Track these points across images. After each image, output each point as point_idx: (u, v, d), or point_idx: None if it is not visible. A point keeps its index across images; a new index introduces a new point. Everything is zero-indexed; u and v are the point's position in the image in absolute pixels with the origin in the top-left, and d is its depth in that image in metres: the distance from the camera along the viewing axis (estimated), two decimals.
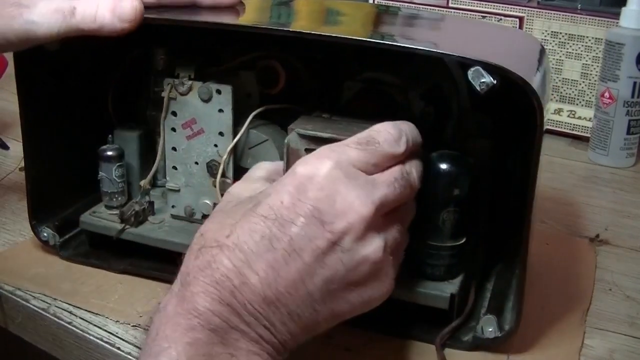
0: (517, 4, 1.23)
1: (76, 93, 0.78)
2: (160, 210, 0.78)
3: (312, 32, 0.63)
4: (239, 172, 0.71)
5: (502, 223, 0.70)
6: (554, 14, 1.20)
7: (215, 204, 0.73)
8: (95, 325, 0.68)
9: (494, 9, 1.24)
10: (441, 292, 0.66)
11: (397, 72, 0.71)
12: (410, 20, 0.79)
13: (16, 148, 1.02)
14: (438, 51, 0.60)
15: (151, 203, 0.78)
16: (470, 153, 0.67)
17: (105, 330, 0.67)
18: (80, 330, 0.68)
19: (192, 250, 0.54)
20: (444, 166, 0.64)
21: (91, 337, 0.67)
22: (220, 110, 0.72)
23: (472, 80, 0.58)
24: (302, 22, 0.77)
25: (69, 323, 0.69)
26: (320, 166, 0.54)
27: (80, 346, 0.68)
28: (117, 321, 0.68)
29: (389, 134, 0.57)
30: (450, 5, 1.27)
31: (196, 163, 0.74)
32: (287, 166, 0.62)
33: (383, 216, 0.56)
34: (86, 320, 0.69)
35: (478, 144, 0.70)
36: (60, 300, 0.71)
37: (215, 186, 0.73)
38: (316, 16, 0.78)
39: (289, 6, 0.82)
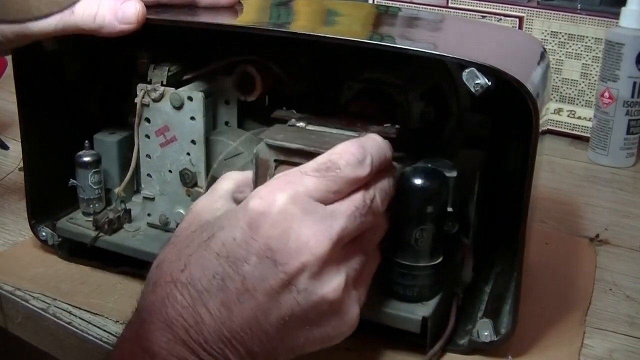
0: (516, 3, 1.23)
1: (75, 93, 0.78)
2: (138, 218, 0.77)
3: (310, 33, 0.63)
4: (215, 181, 0.68)
5: (501, 224, 0.69)
6: (554, 13, 1.20)
7: None
8: (94, 326, 0.68)
9: (493, 8, 1.24)
10: (413, 315, 0.62)
11: (396, 72, 0.71)
12: (410, 21, 0.79)
13: (16, 148, 1.02)
14: (432, 52, 0.59)
15: (127, 211, 0.77)
16: (463, 163, 0.65)
17: (105, 331, 0.67)
18: (80, 331, 0.68)
19: (149, 282, 0.52)
20: (417, 181, 0.61)
21: (91, 337, 0.67)
22: (192, 118, 0.70)
23: (466, 82, 0.57)
24: (302, 22, 0.77)
25: (69, 323, 0.69)
26: (273, 201, 0.51)
27: (80, 346, 0.68)
28: (116, 321, 0.68)
29: (352, 156, 0.54)
30: (450, 5, 1.27)
31: (170, 171, 0.73)
32: (257, 177, 0.60)
33: (343, 247, 0.53)
34: (86, 321, 0.69)
35: (471, 155, 0.69)
36: (59, 300, 0.71)
37: (188, 195, 0.72)
38: (316, 17, 0.78)
39: (289, 6, 0.82)
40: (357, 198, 0.54)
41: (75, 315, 0.69)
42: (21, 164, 0.79)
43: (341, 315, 0.54)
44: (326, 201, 0.53)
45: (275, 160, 0.59)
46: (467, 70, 0.57)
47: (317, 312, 0.52)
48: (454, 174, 0.62)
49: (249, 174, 0.61)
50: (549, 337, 0.69)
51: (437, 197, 0.61)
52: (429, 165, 0.62)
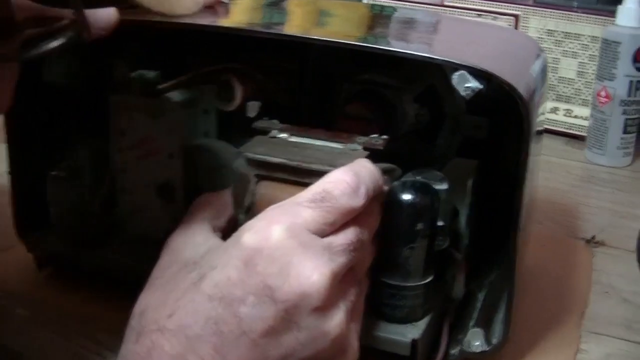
0: (512, 2, 1.22)
1: (62, 96, 0.77)
2: (116, 234, 0.73)
3: (301, 35, 0.62)
4: (195, 195, 0.66)
5: (497, 230, 0.68)
6: (550, 12, 1.20)
7: (167, 229, 0.69)
8: (81, 334, 0.66)
9: (489, 7, 1.23)
10: (402, 337, 0.59)
11: (391, 74, 0.70)
12: (404, 22, 0.78)
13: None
14: (422, 54, 0.58)
15: (106, 225, 0.73)
16: (455, 173, 0.63)
17: (92, 339, 0.66)
18: (66, 339, 0.66)
19: (131, 330, 0.49)
20: (406, 197, 0.57)
21: (77, 347, 0.66)
22: (171, 130, 0.67)
23: (456, 85, 0.55)
24: (294, 24, 0.76)
25: (55, 331, 0.67)
26: (269, 235, 0.48)
27: (67, 355, 0.67)
28: (104, 330, 0.66)
29: (346, 185, 0.51)
30: (445, 3, 1.26)
31: (147, 185, 0.69)
32: (237, 193, 0.57)
33: (340, 281, 0.50)
34: (72, 329, 0.67)
35: (463, 163, 0.67)
36: (46, 308, 0.70)
37: (166, 210, 0.69)
38: (308, 18, 0.77)
39: (280, 7, 0.80)
40: (351, 232, 0.52)
41: (62, 324, 0.68)
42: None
43: (343, 351, 0.51)
44: (322, 233, 0.50)
45: (256, 175, 0.56)
46: (457, 74, 0.55)
47: (319, 350, 0.49)
48: (444, 186, 0.60)
49: (223, 195, 0.58)
50: (545, 341, 0.68)
51: (428, 213, 0.58)
52: (418, 178, 0.60)
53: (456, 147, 0.72)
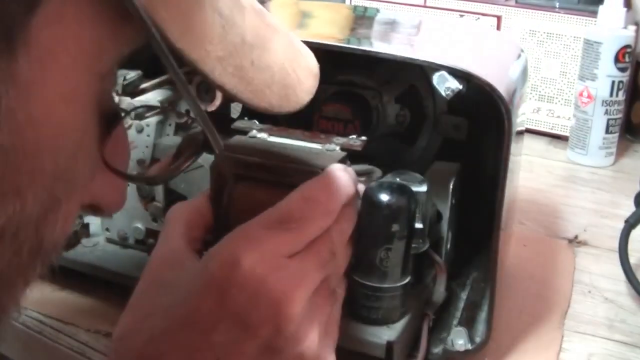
0: (494, 2, 1.23)
1: None
2: (96, 233, 0.74)
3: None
4: (173, 195, 0.67)
5: (478, 229, 0.68)
6: (532, 12, 1.20)
7: (146, 229, 0.70)
8: (65, 335, 0.67)
9: (471, 8, 1.23)
10: (377, 339, 0.59)
11: (371, 75, 0.70)
12: (386, 23, 0.78)
13: None
14: (401, 55, 0.58)
15: (85, 225, 0.74)
16: (436, 176, 0.63)
17: (76, 340, 0.66)
18: (50, 340, 0.66)
19: (115, 354, 0.49)
20: (381, 198, 0.56)
21: (61, 347, 0.66)
22: (146, 134, 0.68)
23: (437, 85, 0.56)
24: None
25: (39, 332, 0.67)
26: (237, 263, 0.47)
27: (51, 356, 0.67)
28: (87, 330, 0.67)
29: (317, 202, 0.50)
30: (428, 4, 1.26)
31: (127, 185, 0.70)
32: (214, 192, 0.56)
33: (313, 296, 0.49)
34: (56, 330, 0.67)
35: (445, 167, 0.67)
36: (30, 309, 0.70)
37: (147, 210, 0.70)
38: (290, 19, 0.77)
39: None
40: (323, 247, 0.50)
41: (46, 324, 0.68)
42: None
43: None
44: (292, 252, 0.49)
45: (234, 175, 0.55)
46: (437, 74, 0.56)
47: None
48: (423, 188, 0.59)
49: (198, 202, 0.57)
50: (527, 341, 0.68)
51: (404, 214, 0.56)
52: (397, 179, 0.59)
53: (436, 148, 0.72)
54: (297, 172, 0.54)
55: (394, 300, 0.59)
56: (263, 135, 0.60)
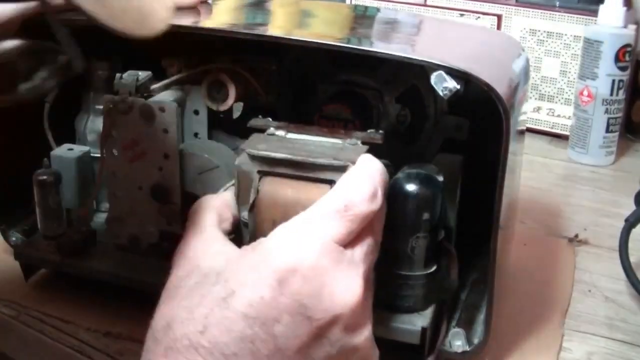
0: (495, 1, 1.23)
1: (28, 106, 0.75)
2: (104, 240, 0.72)
3: (281, 36, 0.61)
4: (188, 197, 0.66)
5: (479, 230, 0.68)
6: (533, 11, 1.20)
7: (161, 232, 0.68)
8: (66, 334, 0.67)
9: (472, 7, 1.23)
10: (412, 326, 0.60)
11: (372, 74, 0.70)
12: (386, 23, 0.78)
13: None
14: (399, 55, 0.58)
15: (92, 232, 0.72)
16: (443, 167, 0.63)
17: (76, 338, 0.66)
18: (51, 339, 0.66)
19: (157, 343, 0.48)
20: (411, 188, 0.58)
21: (62, 346, 0.66)
22: (165, 130, 0.65)
23: (434, 85, 0.55)
24: (277, 24, 0.75)
25: (40, 331, 0.67)
26: (303, 254, 0.48)
27: (51, 355, 0.67)
28: (88, 329, 0.67)
29: (366, 190, 0.51)
30: (428, 3, 1.26)
31: (140, 188, 0.68)
32: (238, 190, 0.57)
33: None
34: (57, 328, 0.67)
35: (450, 158, 0.67)
36: (30, 308, 0.70)
37: (161, 213, 0.68)
38: (290, 19, 0.77)
39: (262, 8, 0.80)
40: (369, 237, 0.52)
41: (46, 323, 0.68)
42: None
43: None
44: (345, 243, 0.50)
45: (259, 172, 0.55)
46: (435, 74, 0.55)
47: None
48: (441, 178, 0.61)
49: (226, 196, 0.58)
50: (528, 340, 0.68)
51: (433, 203, 0.59)
52: (420, 170, 0.60)
53: (437, 149, 0.72)
54: (326, 167, 0.54)
55: (423, 287, 0.61)
56: (281, 133, 0.59)
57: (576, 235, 0.89)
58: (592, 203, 1.01)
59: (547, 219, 0.94)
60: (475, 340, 0.63)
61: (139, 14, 0.49)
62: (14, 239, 0.76)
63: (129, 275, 0.68)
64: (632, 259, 0.76)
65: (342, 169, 0.53)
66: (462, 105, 0.67)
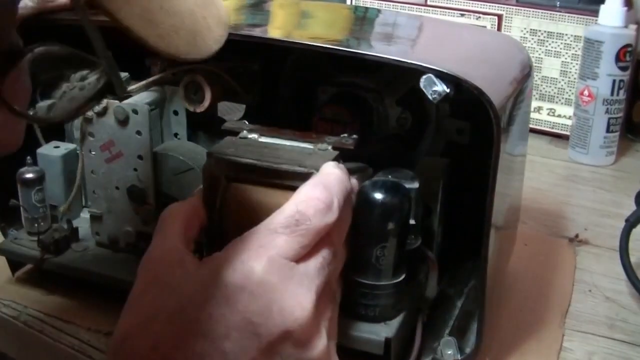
0: (495, 1, 1.23)
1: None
2: (86, 237, 0.73)
3: (277, 39, 0.61)
4: (167, 198, 0.66)
5: (477, 236, 0.68)
6: (533, 11, 1.20)
7: (137, 232, 0.69)
8: (66, 334, 0.67)
9: (472, 7, 1.23)
10: (375, 336, 0.58)
11: (372, 77, 0.69)
12: (385, 24, 0.77)
13: None
14: (388, 57, 0.57)
15: (74, 229, 0.73)
16: (426, 172, 0.63)
17: (77, 338, 0.66)
18: (52, 339, 0.67)
19: (115, 357, 0.48)
20: (376, 197, 0.56)
21: (63, 346, 0.66)
22: (138, 132, 0.66)
23: (424, 89, 0.55)
24: (276, 25, 0.75)
25: (40, 331, 0.67)
26: (251, 272, 0.47)
27: (52, 355, 0.67)
28: (88, 329, 0.67)
29: (319, 203, 0.50)
30: (428, 3, 1.26)
31: (117, 188, 0.69)
32: (207, 193, 0.56)
33: (317, 300, 0.49)
34: (57, 329, 0.67)
35: (434, 162, 0.67)
36: (30, 308, 0.70)
37: (137, 213, 0.69)
38: (290, 19, 0.77)
39: (262, 9, 0.80)
40: (325, 247, 0.51)
41: (47, 323, 0.68)
42: None
43: None
44: (297, 257, 0.49)
45: (226, 177, 0.54)
46: (424, 77, 0.55)
47: None
48: (415, 185, 0.60)
49: (194, 201, 0.56)
50: (528, 340, 0.68)
51: (399, 212, 0.57)
52: (389, 177, 0.59)
53: (439, 153, 0.71)
54: (290, 174, 0.53)
55: (389, 297, 0.59)
56: (254, 136, 0.59)
57: (576, 235, 0.89)
58: (592, 203, 1.01)
59: (547, 219, 0.94)
60: (467, 350, 0.62)
61: (192, 34, 0.47)
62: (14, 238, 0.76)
63: (108, 273, 0.69)
64: (633, 259, 0.76)
65: (305, 177, 0.52)
66: (464, 108, 0.67)
